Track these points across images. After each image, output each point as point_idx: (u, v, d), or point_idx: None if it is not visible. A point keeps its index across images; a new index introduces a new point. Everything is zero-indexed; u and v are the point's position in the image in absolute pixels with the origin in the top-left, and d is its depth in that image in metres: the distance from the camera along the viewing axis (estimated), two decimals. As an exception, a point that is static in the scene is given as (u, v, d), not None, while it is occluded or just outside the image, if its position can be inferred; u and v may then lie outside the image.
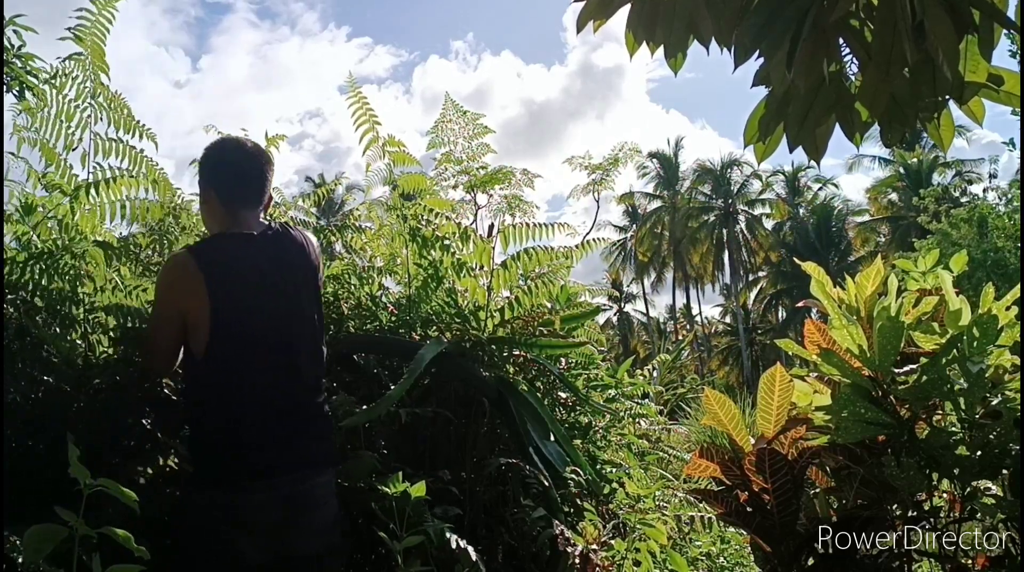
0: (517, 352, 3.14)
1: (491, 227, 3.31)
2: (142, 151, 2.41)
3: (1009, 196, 18.54)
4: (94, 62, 2.30)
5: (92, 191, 2.25)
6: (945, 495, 2.28)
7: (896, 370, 2.19)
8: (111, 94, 2.34)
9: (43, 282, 2.10)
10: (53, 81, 2.28)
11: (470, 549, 2.15)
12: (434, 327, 3.17)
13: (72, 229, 2.25)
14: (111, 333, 2.20)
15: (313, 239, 2.19)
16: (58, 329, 2.11)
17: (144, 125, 2.39)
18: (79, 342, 2.15)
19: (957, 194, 24.76)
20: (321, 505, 1.96)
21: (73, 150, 2.33)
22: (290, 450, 1.92)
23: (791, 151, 1.82)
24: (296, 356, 1.98)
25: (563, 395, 3.40)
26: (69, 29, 2.26)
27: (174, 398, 2.20)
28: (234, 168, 2.07)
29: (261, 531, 1.85)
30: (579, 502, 2.96)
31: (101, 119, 2.35)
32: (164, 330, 1.96)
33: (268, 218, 2.17)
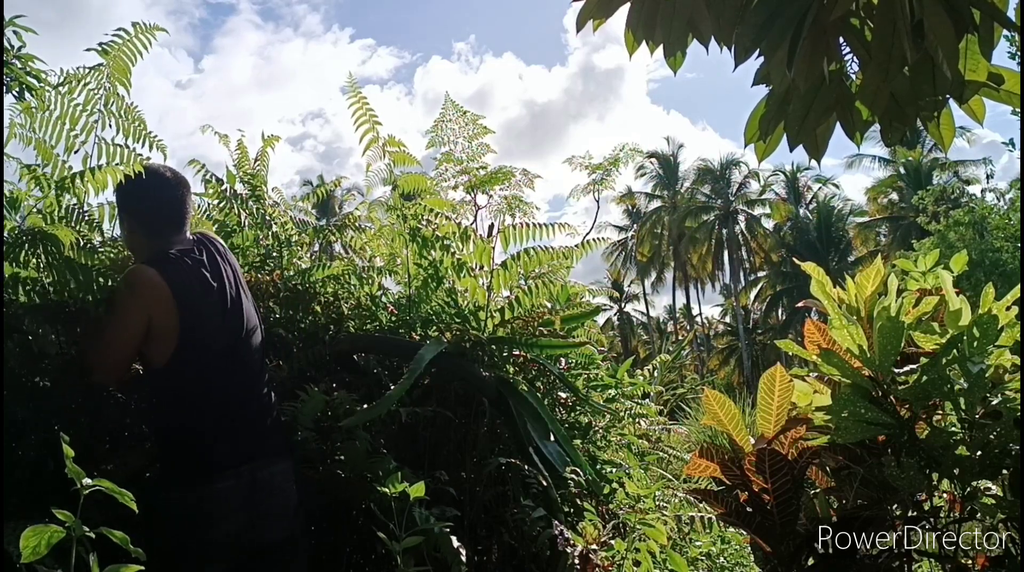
0: (517, 352, 3.13)
1: (491, 227, 3.30)
2: (148, 158, 2.42)
3: (1008, 196, 18.52)
4: (114, 75, 2.33)
5: (77, 181, 2.21)
6: (945, 495, 2.27)
7: (896, 370, 2.18)
8: (126, 104, 2.36)
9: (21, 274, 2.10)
10: (60, 87, 2.29)
11: (462, 550, 2.21)
12: (434, 327, 3.17)
13: (58, 223, 2.22)
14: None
15: (223, 243, 2.33)
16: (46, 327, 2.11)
17: (156, 135, 2.40)
18: (52, 339, 2.15)
19: (955, 194, 24.70)
20: (280, 491, 2.12)
21: (75, 152, 2.33)
22: (248, 442, 2.08)
23: (791, 150, 1.82)
24: (247, 357, 2.15)
25: (563, 395, 3.40)
26: (100, 44, 2.31)
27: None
28: (156, 202, 2.17)
29: (228, 520, 1.99)
30: (579, 502, 2.96)
31: (110, 126, 2.36)
32: (125, 338, 2.02)
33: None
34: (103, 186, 2.21)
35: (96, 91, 2.32)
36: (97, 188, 2.22)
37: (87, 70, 2.31)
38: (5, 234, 2.07)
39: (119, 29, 2.33)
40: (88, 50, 2.31)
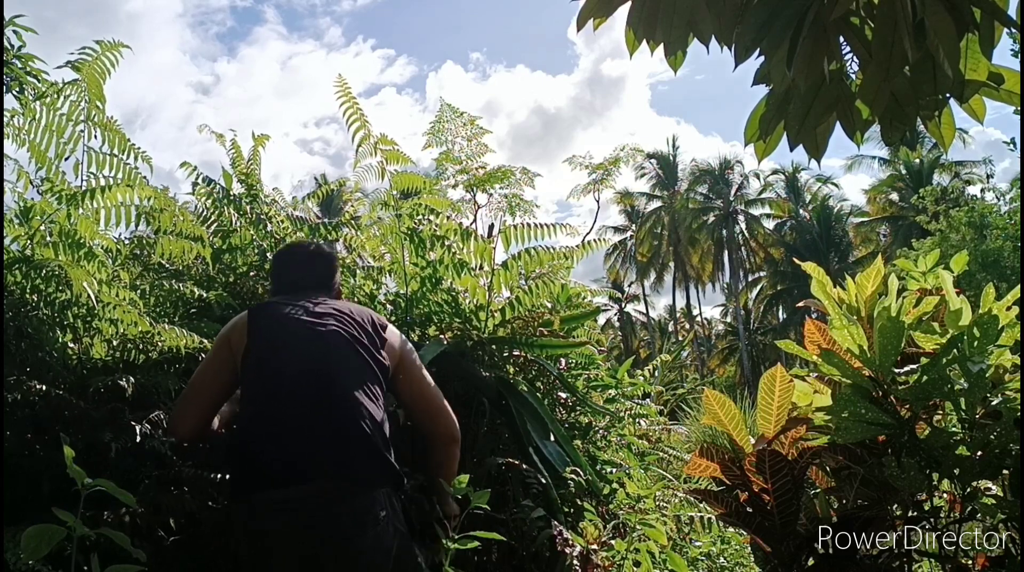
0: (517, 352, 3.13)
1: (491, 227, 3.31)
2: (136, 169, 2.46)
3: (1008, 196, 18.50)
4: (90, 91, 2.35)
5: (90, 198, 2.26)
6: (945, 495, 2.27)
7: (896, 370, 2.18)
8: (106, 119, 2.39)
9: (36, 285, 2.11)
10: (44, 99, 2.31)
11: None
12: (434, 326, 3.17)
13: (71, 235, 2.24)
14: (111, 338, 2.20)
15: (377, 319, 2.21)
16: (56, 332, 2.11)
17: (140, 148, 2.44)
18: (71, 345, 2.15)
19: (955, 195, 24.66)
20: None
21: (65, 159, 2.35)
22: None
23: (792, 150, 1.82)
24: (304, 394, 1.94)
25: (563, 395, 3.39)
26: (69, 63, 2.34)
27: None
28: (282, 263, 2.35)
29: None
30: (579, 502, 2.95)
31: (96, 137, 2.39)
32: (199, 382, 2.04)
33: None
34: (115, 201, 2.28)
35: (77, 103, 2.35)
36: (110, 205, 2.28)
37: (65, 83, 2.35)
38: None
39: (84, 48, 2.35)
40: (59, 67, 2.36)
